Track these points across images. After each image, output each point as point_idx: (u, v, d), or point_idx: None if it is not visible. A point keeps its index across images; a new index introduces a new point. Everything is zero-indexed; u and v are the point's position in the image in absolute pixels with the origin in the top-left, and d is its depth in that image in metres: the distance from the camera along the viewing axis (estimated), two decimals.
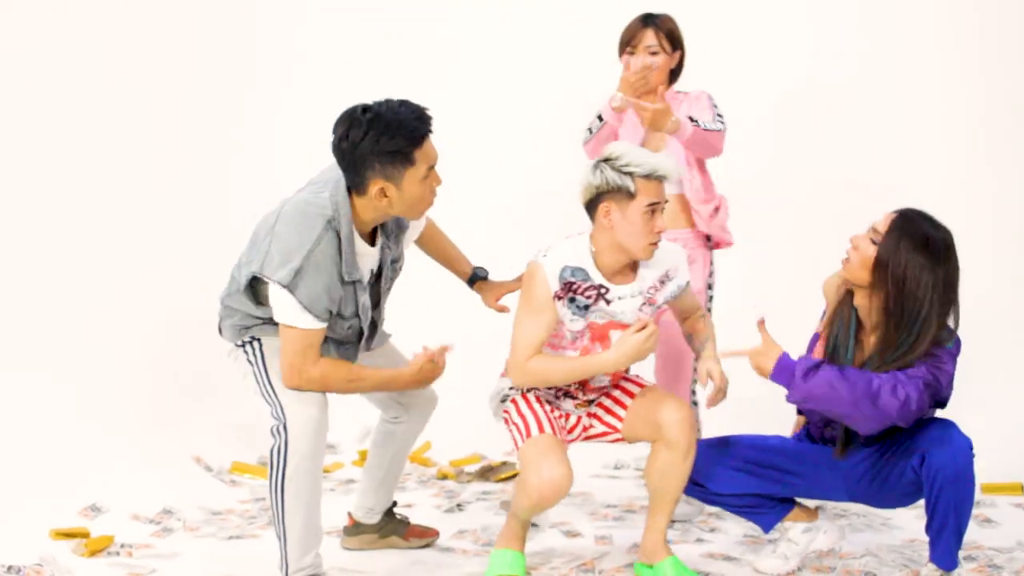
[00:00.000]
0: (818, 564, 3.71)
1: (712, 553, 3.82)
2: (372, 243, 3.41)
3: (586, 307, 3.43)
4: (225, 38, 5.57)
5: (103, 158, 5.24)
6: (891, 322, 3.28)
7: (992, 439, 3.53)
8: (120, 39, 5.32)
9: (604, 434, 3.62)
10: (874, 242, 3.30)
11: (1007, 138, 5.40)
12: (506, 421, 3.58)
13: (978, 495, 4.22)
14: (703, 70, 5.42)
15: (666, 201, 3.40)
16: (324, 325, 3.29)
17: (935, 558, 3.41)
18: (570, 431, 3.61)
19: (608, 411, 3.61)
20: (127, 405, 4.82)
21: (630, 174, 3.33)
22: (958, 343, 3.32)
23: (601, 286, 3.43)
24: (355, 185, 3.27)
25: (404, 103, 3.25)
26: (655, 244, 3.40)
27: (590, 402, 3.61)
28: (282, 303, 3.26)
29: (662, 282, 3.50)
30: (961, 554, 3.45)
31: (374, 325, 3.54)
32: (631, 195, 3.33)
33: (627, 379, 3.65)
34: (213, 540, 3.97)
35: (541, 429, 3.47)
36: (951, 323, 3.31)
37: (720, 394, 3.46)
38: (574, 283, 3.42)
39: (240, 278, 3.38)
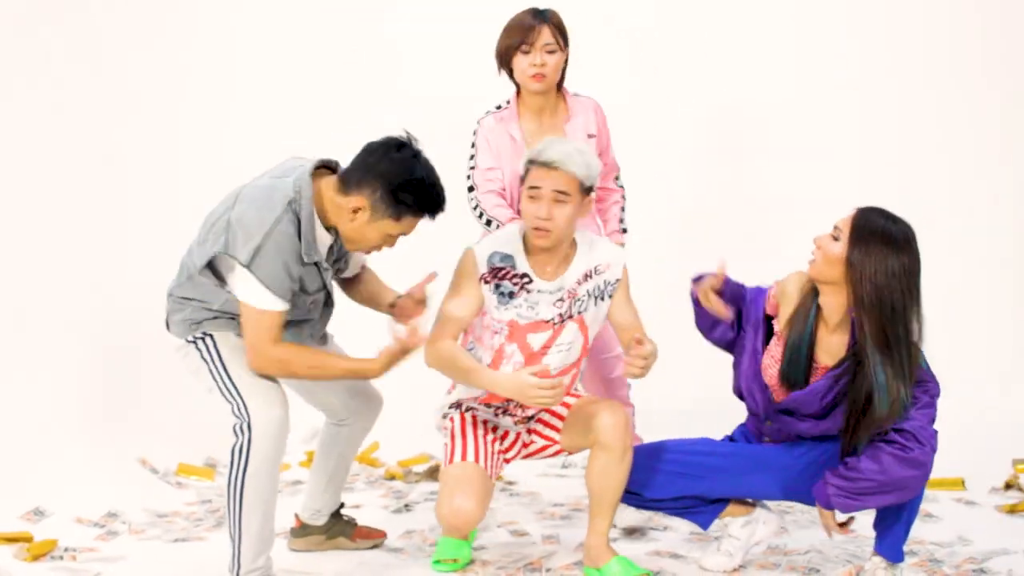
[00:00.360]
0: (763, 560, 3.75)
1: (659, 551, 3.85)
2: (328, 228, 3.41)
3: (511, 294, 3.44)
4: (210, 35, 5.52)
5: (44, 153, 5.18)
6: (868, 317, 3.30)
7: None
8: (97, 30, 5.31)
9: (544, 448, 3.65)
10: (835, 239, 3.34)
11: (987, 142, 5.50)
12: (444, 431, 3.65)
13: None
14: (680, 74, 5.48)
15: (561, 192, 3.37)
16: (285, 307, 3.28)
17: (883, 550, 3.47)
18: (508, 449, 3.62)
19: (547, 425, 3.63)
20: (70, 406, 4.78)
21: (526, 159, 3.43)
22: (926, 362, 3.40)
23: (525, 275, 3.44)
24: (346, 181, 3.29)
25: (439, 185, 3.30)
26: (540, 230, 3.40)
27: (529, 419, 3.62)
28: (243, 282, 3.25)
29: (587, 276, 3.50)
30: (904, 548, 3.50)
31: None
32: (522, 179, 3.42)
33: (566, 403, 3.65)
34: (159, 543, 3.94)
35: (464, 456, 3.50)
36: (917, 317, 3.35)
37: (639, 361, 3.36)
38: (502, 268, 3.44)
39: (192, 264, 3.36)
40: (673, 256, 5.38)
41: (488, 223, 3.91)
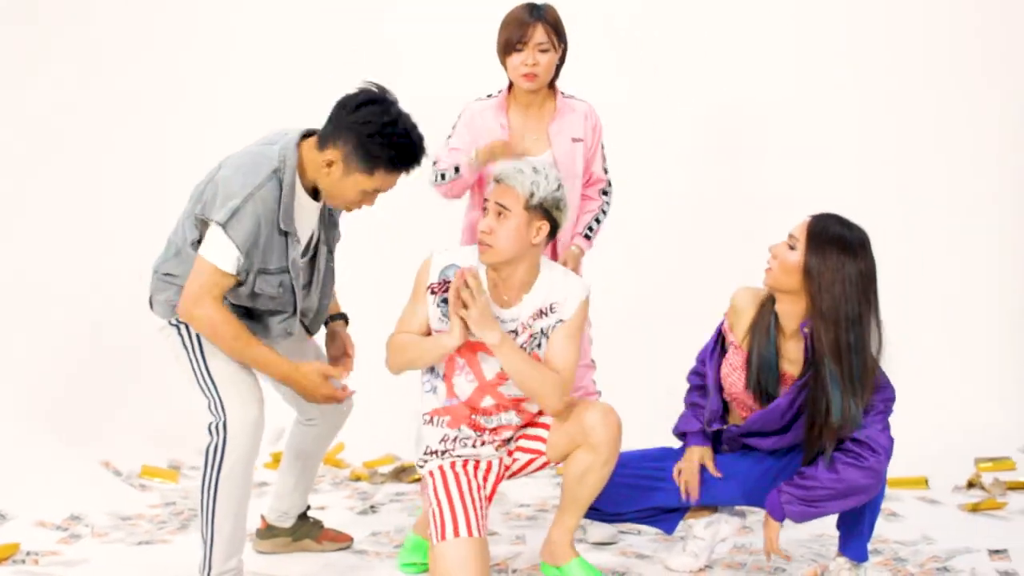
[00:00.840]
0: (728, 560, 3.76)
1: (624, 551, 3.85)
2: (316, 198, 3.39)
3: None
4: (210, 34, 5.45)
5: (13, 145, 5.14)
6: (826, 326, 3.31)
7: (896, 434, 3.59)
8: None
9: (528, 464, 3.52)
10: (792, 247, 3.35)
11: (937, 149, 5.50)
12: (424, 488, 3.49)
13: (885, 489, 4.30)
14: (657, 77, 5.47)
15: (501, 205, 3.30)
16: (236, 274, 3.24)
17: (847, 551, 3.48)
18: (486, 476, 3.49)
19: (530, 438, 3.51)
20: (32, 408, 4.73)
21: None
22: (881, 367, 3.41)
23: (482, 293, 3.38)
24: (323, 138, 3.27)
25: (416, 135, 3.24)
26: (481, 244, 3.34)
27: (507, 441, 3.52)
28: (213, 239, 3.22)
29: (542, 313, 3.40)
30: (868, 547, 3.52)
31: (308, 310, 3.51)
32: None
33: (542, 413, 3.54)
34: (122, 546, 3.91)
35: (456, 528, 3.30)
36: (875, 324, 3.37)
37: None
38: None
39: (181, 237, 3.34)
40: (672, 255, 5.39)
41: (442, 176, 3.86)
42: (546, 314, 3.40)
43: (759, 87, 5.46)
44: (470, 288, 3.27)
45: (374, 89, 3.28)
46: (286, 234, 3.30)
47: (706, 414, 3.57)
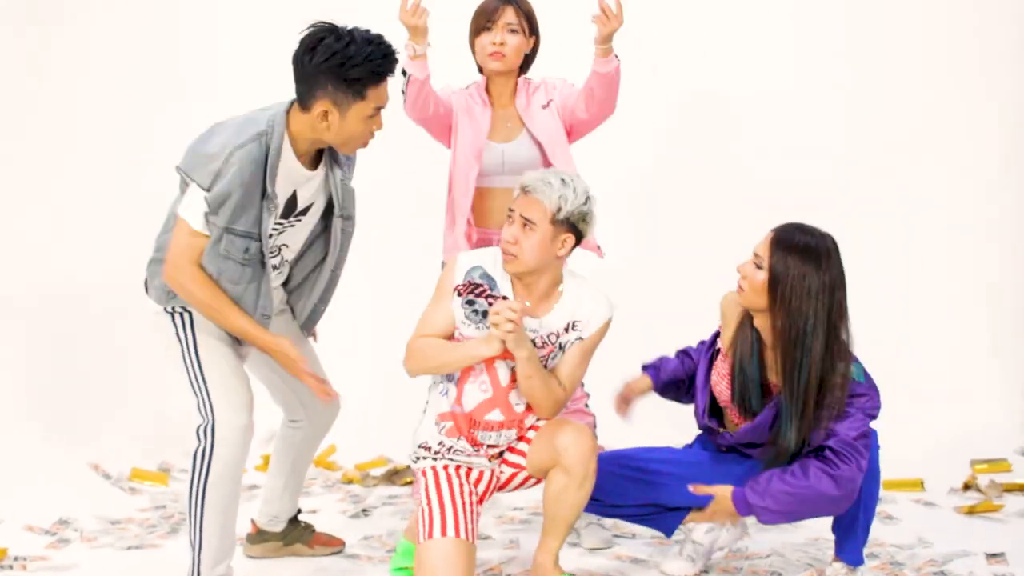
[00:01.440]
0: (724, 565, 3.73)
1: (620, 555, 3.83)
2: (315, 167, 3.35)
3: (484, 313, 3.35)
4: (208, 34, 5.41)
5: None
6: (782, 340, 3.30)
7: (891, 436, 3.57)
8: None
9: (513, 476, 3.48)
10: (759, 266, 3.32)
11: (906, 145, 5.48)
12: (416, 490, 3.47)
13: (879, 492, 4.28)
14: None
15: (526, 218, 3.27)
16: (207, 233, 3.22)
17: (842, 554, 3.46)
18: (483, 495, 3.46)
19: (515, 452, 3.48)
20: (20, 410, 4.71)
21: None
22: (867, 374, 3.37)
23: (506, 298, 3.36)
24: (302, 99, 3.24)
25: (376, 39, 3.22)
26: (506, 254, 3.32)
27: (501, 453, 3.49)
28: (193, 200, 3.20)
29: (567, 329, 3.39)
30: (864, 551, 3.50)
31: (315, 296, 3.51)
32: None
33: (535, 425, 3.51)
34: (111, 550, 3.87)
35: (444, 528, 3.27)
36: (844, 334, 3.33)
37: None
38: (479, 286, 3.37)
39: (173, 207, 3.31)
40: (670, 255, 5.36)
41: (403, 72, 3.75)
42: (570, 329, 3.39)
43: (758, 88, 5.43)
44: (515, 312, 3.23)
45: (315, 28, 3.24)
46: (265, 198, 3.23)
47: (698, 412, 3.56)
